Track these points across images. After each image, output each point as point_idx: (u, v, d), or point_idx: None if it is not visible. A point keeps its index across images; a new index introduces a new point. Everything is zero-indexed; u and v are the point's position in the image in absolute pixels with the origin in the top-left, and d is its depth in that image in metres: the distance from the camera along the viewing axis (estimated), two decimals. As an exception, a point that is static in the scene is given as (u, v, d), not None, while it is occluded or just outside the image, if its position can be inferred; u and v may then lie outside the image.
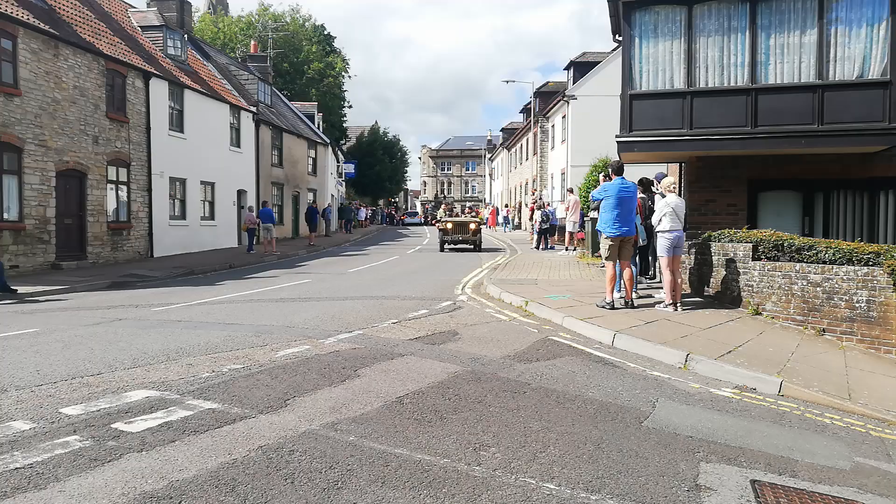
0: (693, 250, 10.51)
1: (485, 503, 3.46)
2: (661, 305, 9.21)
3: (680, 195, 11.53)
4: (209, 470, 3.75)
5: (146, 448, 4.05)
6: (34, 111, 15.94)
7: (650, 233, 10.18)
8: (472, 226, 23.23)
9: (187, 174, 23.10)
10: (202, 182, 24.32)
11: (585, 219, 18.25)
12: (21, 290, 12.20)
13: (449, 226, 23.26)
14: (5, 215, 15.13)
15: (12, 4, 15.76)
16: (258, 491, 3.50)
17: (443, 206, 27.67)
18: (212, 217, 25.29)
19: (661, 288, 10.26)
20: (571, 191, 21.85)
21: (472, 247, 23.19)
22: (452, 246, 23.64)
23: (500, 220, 42.02)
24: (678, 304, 9.07)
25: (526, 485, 3.70)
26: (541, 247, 22.38)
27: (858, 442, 4.79)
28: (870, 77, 10.14)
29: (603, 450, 4.28)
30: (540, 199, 26.88)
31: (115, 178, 19.26)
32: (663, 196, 9.76)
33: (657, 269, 11.05)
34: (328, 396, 5.25)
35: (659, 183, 10.53)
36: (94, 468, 3.74)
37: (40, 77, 16.15)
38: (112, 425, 4.45)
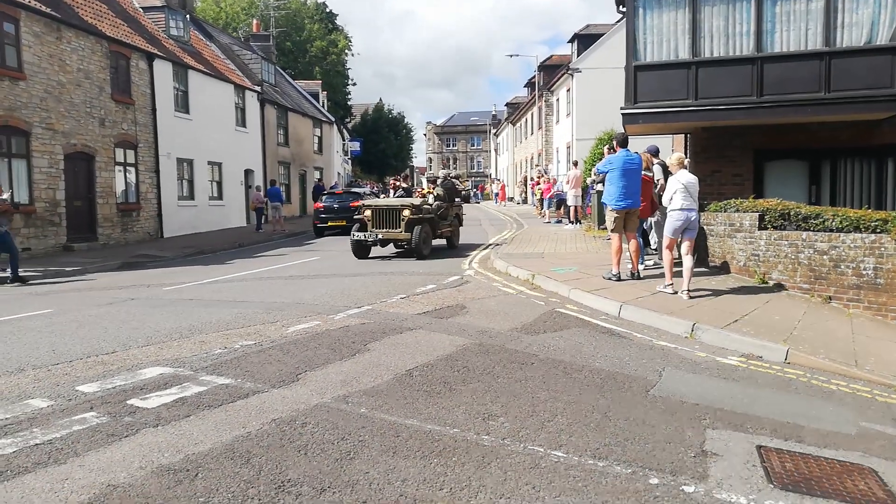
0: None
1: (494, 471, 3.53)
2: (661, 286, 8.50)
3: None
4: (224, 443, 3.84)
5: (162, 423, 4.15)
6: (40, 95, 15.97)
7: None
8: (406, 212, 13.22)
9: (194, 155, 23.14)
10: (209, 162, 24.37)
11: (592, 191, 18.14)
12: (33, 272, 12.34)
13: (367, 214, 13.66)
14: (16, 198, 15.24)
15: (13, -13, 15.70)
16: (273, 462, 3.59)
17: (392, 181, 17.24)
18: (220, 197, 25.40)
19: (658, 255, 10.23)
20: (576, 164, 21.70)
21: (409, 248, 13.54)
22: (372, 249, 14.04)
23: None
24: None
25: (534, 453, 3.77)
26: (548, 220, 22.30)
27: (864, 407, 4.83)
28: (878, 43, 9.99)
29: (610, 418, 4.34)
30: (545, 172, 26.69)
31: (122, 160, 19.35)
32: (664, 167, 9.65)
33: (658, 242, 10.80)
34: (339, 370, 5.33)
35: (653, 156, 10.34)
36: (112, 443, 3.84)
37: (44, 60, 16.14)
38: (128, 401, 4.55)
